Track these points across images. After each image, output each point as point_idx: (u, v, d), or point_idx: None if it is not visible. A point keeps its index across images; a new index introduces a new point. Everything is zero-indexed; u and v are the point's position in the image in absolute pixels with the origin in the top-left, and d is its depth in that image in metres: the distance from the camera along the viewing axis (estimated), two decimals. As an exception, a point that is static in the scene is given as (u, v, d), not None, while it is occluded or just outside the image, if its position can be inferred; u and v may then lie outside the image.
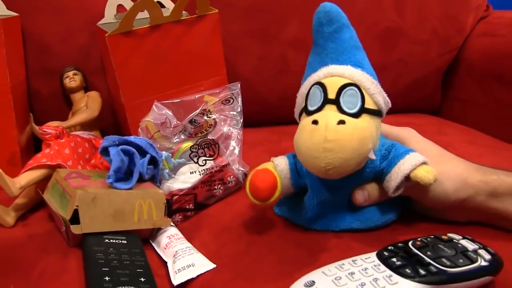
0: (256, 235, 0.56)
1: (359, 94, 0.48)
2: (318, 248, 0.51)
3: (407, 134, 0.56)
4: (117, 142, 0.57)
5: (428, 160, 0.49)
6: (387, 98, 0.52)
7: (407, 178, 0.49)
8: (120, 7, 0.87)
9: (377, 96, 0.50)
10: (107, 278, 0.44)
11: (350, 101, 0.48)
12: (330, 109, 0.48)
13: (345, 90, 0.48)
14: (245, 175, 0.69)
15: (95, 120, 0.79)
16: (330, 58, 0.51)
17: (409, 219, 0.56)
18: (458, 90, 1.11)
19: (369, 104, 0.49)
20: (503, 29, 1.03)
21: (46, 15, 0.86)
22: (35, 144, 0.84)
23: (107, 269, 0.45)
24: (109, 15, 0.85)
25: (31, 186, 0.61)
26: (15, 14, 0.78)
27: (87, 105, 0.79)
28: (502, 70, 0.99)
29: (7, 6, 0.79)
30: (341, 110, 0.47)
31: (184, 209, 0.64)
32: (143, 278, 0.45)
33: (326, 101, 0.48)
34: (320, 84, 0.49)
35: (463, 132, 0.96)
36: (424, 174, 0.47)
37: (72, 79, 0.83)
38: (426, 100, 1.11)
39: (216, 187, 0.66)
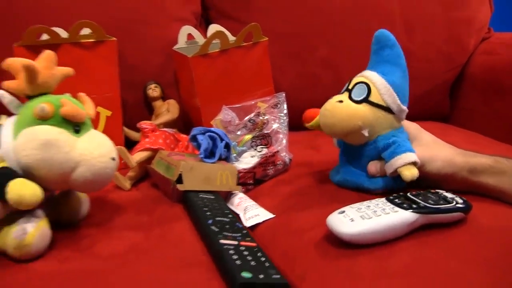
0: (300, 196, 0.78)
1: (366, 89, 0.70)
2: (345, 200, 0.72)
3: (413, 126, 0.75)
4: (203, 132, 0.80)
5: (418, 161, 0.67)
6: (399, 102, 0.70)
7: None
8: (189, 35, 1.12)
9: (386, 97, 0.70)
10: (208, 213, 0.67)
11: (358, 92, 0.70)
12: (344, 94, 0.71)
13: (358, 84, 0.71)
14: (290, 160, 0.92)
15: (174, 121, 1.03)
16: (369, 67, 0.74)
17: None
18: (463, 100, 1.31)
19: (375, 99, 0.69)
20: (502, 48, 1.23)
21: (133, 41, 1.11)
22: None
23: (206, 209, 0.68)
24: (182, 42, 1.10)
25: (137, 164, 0.85)
26: (114, 38, 1.02)
27: (168, 109, 1.03)
28: (500, 84, 1.18)
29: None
30: (350, 96, 0.71)
31: (246, 184, 0.86)
32: (230, 215, 0.68)
33: (346, 89, 0.72)
34: (350, 80, 0.73)
35: (466, 135, 1.15)
36: (405, 173, 0.67)
37: (154, 90, 1.07)
38: (435, 109, 1.31)
39: (269, 168, 0.89)
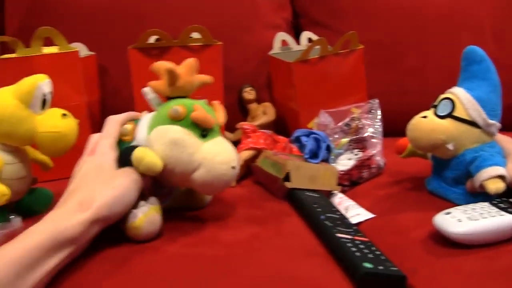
0: (396, 199, 0.83)
1: (450, 105, 0.74)
2: (441, 205, 0.73)
3: (507, 140, 0.76)
4: (307, 134, 0.86)
5: (505, 175, 0.68)
6: (484, 116, 0.72)
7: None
8: (283, 42, 1.18)
9: (471, 111, 0.73)
10: (319, 209, 0.72)
11: (442, 108, 0.75)
12: (430, 111, 0.76)
13: (443, 100, 0.75)
14: (384, 164, 0.96)
15: (271, 123, 1.09)
16: (458, 83, 0.77)
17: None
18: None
19: (459, 114, 0.73)
20: None
21: (230, 46, 1.17)
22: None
23: (316, 205, 0.74)
24: (277, 47, 1.17)
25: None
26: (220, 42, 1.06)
27: (265, 112, 1.10)
28: None
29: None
30: (435, 112, 0.75)
31: (343, 185, 0.91)
32: (338, 212, 0.74)
33: (432, 106, 0.77)
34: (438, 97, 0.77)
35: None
36: (489, 186, 0.68)
37: (250, 93, 1.14)
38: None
39: (364, 171, 0.94)
